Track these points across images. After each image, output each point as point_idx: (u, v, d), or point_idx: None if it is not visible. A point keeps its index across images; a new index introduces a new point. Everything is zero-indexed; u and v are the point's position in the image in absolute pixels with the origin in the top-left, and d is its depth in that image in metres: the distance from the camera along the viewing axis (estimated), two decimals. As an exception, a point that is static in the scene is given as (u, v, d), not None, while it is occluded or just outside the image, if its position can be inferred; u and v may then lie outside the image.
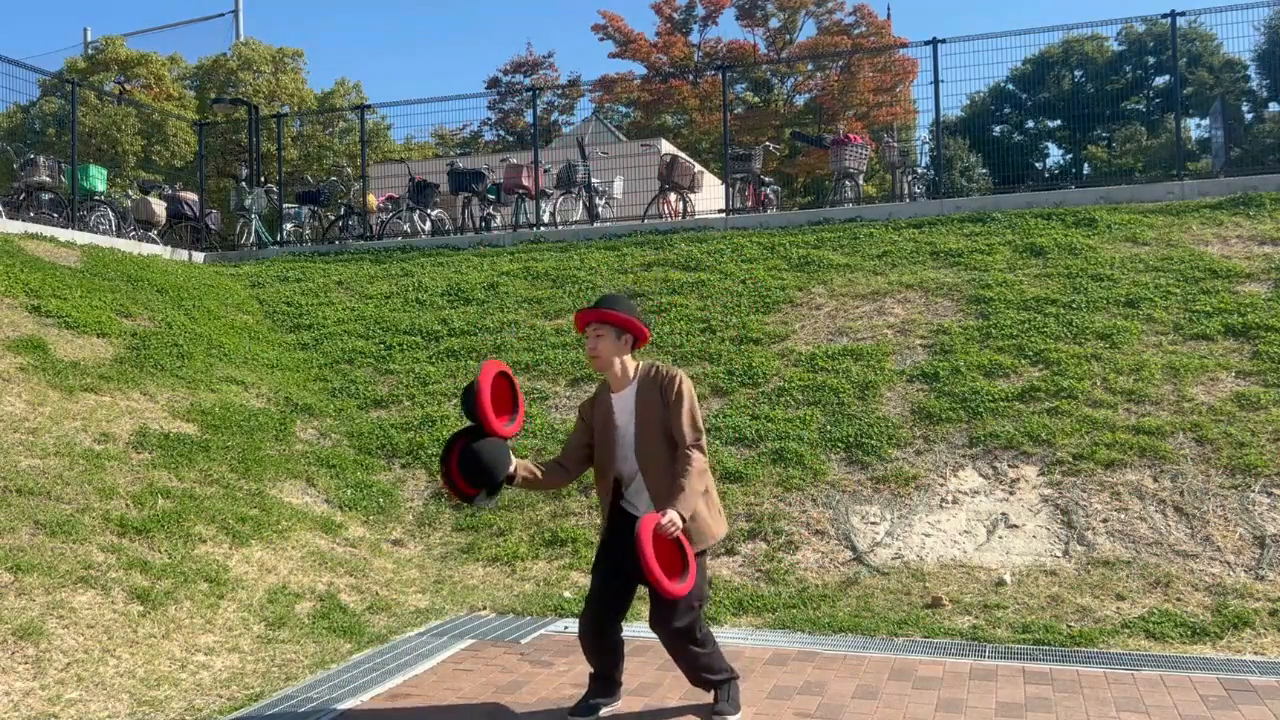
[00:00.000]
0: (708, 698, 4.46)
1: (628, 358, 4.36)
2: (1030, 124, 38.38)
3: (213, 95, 26.31)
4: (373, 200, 15.58)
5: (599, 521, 6.83)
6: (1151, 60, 35.94)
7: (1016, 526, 6.62)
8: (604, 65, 65.64)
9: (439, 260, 12.41)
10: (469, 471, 4.19)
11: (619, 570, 4.34)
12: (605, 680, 4.47)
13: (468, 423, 4.36)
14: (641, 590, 4.50)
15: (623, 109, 37.51)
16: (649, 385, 4.30)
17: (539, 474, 4.40)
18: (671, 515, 4.04)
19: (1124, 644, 5.39)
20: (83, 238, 12.05)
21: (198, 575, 5.67)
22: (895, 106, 31.83)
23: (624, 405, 4.34)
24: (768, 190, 14.43)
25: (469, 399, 4.25)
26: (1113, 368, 7.93)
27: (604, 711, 4.46)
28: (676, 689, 4.71)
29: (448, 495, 4.45)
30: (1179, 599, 5.80)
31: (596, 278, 10.97)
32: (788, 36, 36.75)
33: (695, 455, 4.18)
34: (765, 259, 10.83)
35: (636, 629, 5.74)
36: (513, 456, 4.31)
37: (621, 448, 4.31)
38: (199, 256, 13.99)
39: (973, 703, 4.55)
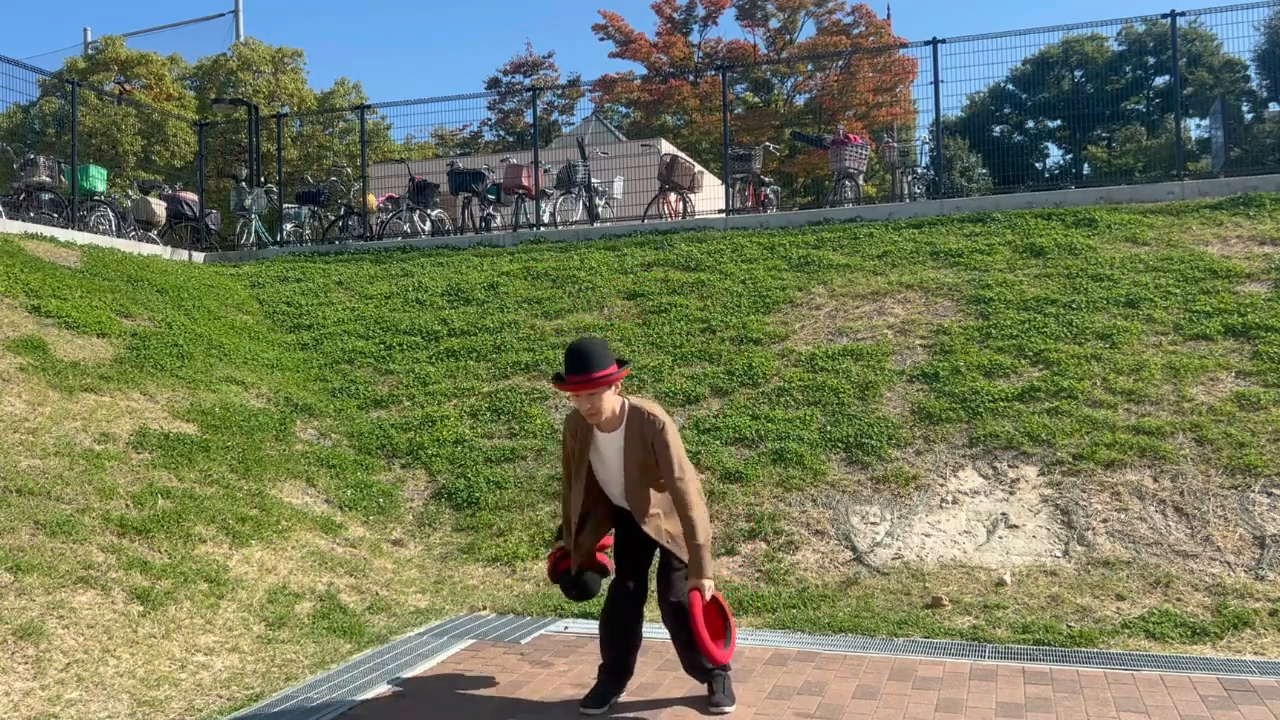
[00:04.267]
0: (703, 690, 4.55)
1: (616, 399, 4.44)
2: (1030, 124, 38.35)
3: (213, 95, 26.31)
4: (373, 200, 15.57)
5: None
6: (1151, 60, 35.92)
7: (1016, 526, 6.62)
8: (604, 65, 65.69)
9: (439, 260, 12.41)
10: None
11: (636, 562, 4.54)
12: (618, 671, 4.55)
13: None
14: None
15: (623, 109, 37.49)
16: (636, 433, 4.38)
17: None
18: (701, 584, 4.27)
19: (1124, 644, 5.39)
20: (83, 238, 12.04)
21: (198, 575, 5.67)
22: (895, 106, 31.80)
23: (613, 446, 4.44)
24: (768, 190, 14.43)
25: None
26: (1113, 368, 7.93)
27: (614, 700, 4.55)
28: (676, 689, 4.71)
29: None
30: (1179, 599, 5.80)
31: (596, 278, 10.97)
32: (788, 37, 36.73)
33: (686, 489, 4.31)
34: (765, 259, 10.83)
35: (636, 629, 5.74)
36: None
37: (612, 486, 4.51)
38: (199, 256, 13.99)
39: (973, 703, 4.55)
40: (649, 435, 4.34)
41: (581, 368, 4.25)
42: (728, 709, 4.43)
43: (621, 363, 4.39)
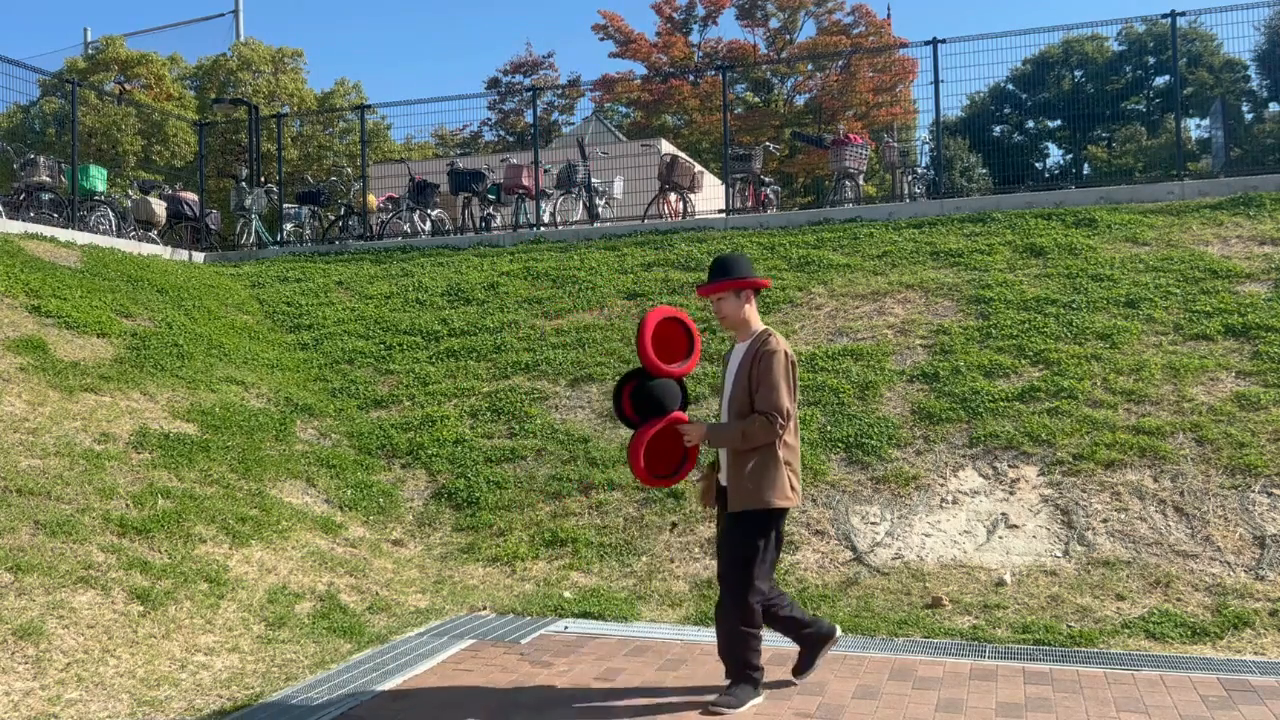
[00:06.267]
0: (708, 695, 4.51)
1: (751, 309, 4.61)
2: (1030, 124, 38.37)
3: (213, 95, 26.31)
4: (373, 200, 15.57)
5: (596, 521, 6.81)
6: (1151, 60, 35.94)
7: (1016, 526, 6.62)
8: (604, 65, 65.66)
9: (439, 260, 12.41)
10: (641, 407, 4.44)
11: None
12: (798, 629, 4.70)
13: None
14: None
15: (623, 109, 37.48)
16: (753, 348, 4.51)
17: None
18: (700, 428, 4.39)
19: (1124, 644, 5.39)
20: (83, 238, 12.04)
21: (198, 575, 5.67)
22: (895, 106, 31.80)
23: (736, 358, 4.58)
24: (768, 190, 14.43)
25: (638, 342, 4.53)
26: (1113, 368, 7.93)
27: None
28: (677, 689, 4.71)
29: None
30: (1179, 599, 5.80)
31: (596, 278, 10.97)
32: (788, 36, 36.73)
33: (759, 420, 4.36)
34: (765, 259, 10.82)
35: (636, 629, 5.75)
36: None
37: (723, 399, 4.59)
38: (199, 256, 13.99)
39: (973, 703, 4.55)
40: (759, 351, 4.46)
41: (710, 272, 4.61)
42: (726, 711, 4.39)
43: (756, 279, 4.61)
